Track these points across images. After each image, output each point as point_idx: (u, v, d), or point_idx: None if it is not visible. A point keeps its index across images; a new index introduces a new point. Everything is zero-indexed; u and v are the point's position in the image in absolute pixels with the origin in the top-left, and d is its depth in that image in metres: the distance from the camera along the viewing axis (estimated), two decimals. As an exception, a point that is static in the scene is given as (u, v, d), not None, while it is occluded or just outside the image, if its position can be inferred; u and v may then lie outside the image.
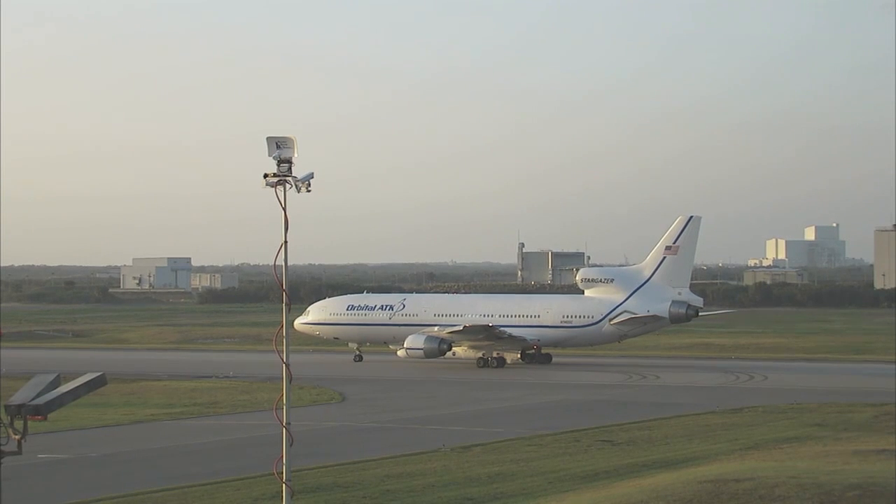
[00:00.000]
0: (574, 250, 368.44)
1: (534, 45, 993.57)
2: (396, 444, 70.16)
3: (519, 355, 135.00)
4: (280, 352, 36.81)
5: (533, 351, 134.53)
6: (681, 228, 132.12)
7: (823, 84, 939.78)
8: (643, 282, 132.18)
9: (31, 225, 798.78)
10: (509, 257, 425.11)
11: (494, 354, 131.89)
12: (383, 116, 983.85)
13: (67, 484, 57.88)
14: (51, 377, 28.14)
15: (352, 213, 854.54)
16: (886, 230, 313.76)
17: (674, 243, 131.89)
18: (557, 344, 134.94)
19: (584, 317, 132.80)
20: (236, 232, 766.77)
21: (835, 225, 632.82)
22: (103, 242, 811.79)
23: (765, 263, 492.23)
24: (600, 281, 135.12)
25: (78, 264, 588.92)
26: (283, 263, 36.96)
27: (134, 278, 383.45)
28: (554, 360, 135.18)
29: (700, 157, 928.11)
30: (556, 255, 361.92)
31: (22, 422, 26.94)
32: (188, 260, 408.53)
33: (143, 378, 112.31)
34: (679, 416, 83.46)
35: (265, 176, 36.52)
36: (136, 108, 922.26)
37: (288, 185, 36.48)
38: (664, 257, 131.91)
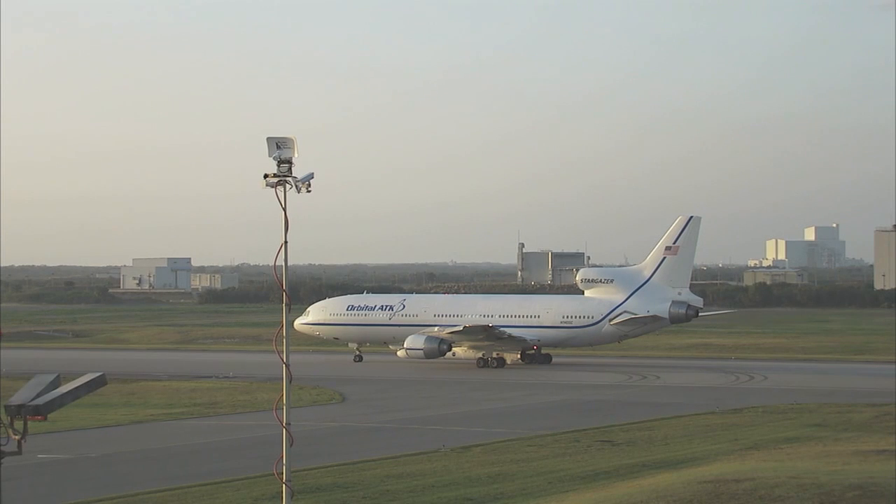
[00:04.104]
0: (574, 250, 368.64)
1: (534, 45, 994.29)
2: (396, 445, 70.17)
3: (519, 356, 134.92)
4: (280, 352, 36.80)
5: (533, 351, 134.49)
6: (681, 229, 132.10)
7: (823, 85, 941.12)
8: (643, 282, 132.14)
9: (31, 225, 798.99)
10: (509, 257, 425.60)
11: (494, 355, 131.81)
12: (383, 117, 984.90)
13: (67, 484, 57.87)
14: (51, 377, 28.11)
15: (352, 213, 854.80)
16: (886, 230, 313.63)
17: (674, 244, 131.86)
18: (557, 344, 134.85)
19: (584, 317, 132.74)
20: (236, 232, 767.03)
21: (835, 225, 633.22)
22: (103, 242, 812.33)
23: (765, 264, 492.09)
24: (600, 281, 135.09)
25: (78, 264, 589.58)
26: (284, 264, 36.94)
27: (134, 279, 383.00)
28: (554, 360, 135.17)
29: (700, 157, 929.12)
30: (556, 256, 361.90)
31: (22, 422, 26.92)
32: (188, 260, 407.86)
33: (143, 378, 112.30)
34: (679, 417, 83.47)
35: (265, 176, 36.51)
36: (136, 109, 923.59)
37: (288, 186, 36.47)
38: (664, 258, 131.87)
